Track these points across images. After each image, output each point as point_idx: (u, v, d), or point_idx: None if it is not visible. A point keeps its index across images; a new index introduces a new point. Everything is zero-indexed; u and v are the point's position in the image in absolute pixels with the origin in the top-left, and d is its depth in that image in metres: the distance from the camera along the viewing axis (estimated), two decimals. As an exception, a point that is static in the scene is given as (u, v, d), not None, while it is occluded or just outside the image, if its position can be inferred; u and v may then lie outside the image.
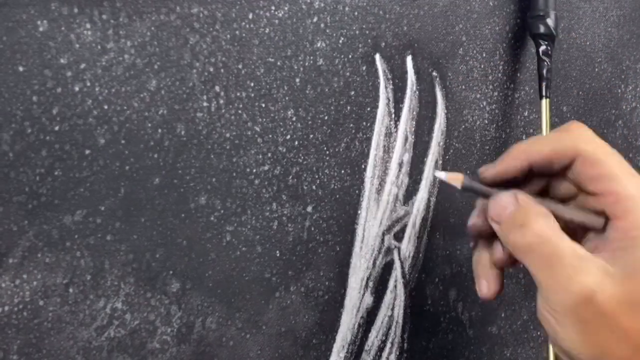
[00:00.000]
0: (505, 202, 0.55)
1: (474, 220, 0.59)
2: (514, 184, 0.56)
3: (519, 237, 0.53)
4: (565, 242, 0.52)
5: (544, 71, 0.68)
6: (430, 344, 0.66)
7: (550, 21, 0.67)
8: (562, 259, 0.51)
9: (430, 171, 0.64)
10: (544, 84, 0.68)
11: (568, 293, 0.51)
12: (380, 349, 0.62)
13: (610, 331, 0.51)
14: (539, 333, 0.77)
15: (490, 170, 0.56)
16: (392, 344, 0.63)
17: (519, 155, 0.55)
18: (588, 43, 0.78)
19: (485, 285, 0.58)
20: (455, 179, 0.56)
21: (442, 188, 0.65)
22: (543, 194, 0.58)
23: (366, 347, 0.61)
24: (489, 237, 0.57)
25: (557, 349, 0.55)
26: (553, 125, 0.75)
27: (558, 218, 0.55)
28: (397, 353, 0.63)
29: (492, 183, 0.56)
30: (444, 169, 0.65)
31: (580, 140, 0.53)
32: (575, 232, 0.55)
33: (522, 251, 0.53)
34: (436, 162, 0.64)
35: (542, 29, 0.68)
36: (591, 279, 0.50)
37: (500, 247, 0.56)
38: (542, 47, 0.68)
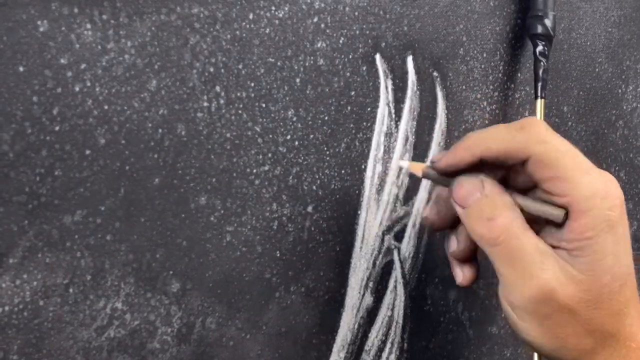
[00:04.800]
0: (471, 187, 0.55)
1: (427, 211, 0.59)
2: (473, 169, 0.56)
3: (486, 230, 0.54)
4: (529, 237, 0.53)
5: (540, 71, 0.68)
6: (430, 344, 0.66)
7: (548, 22, 0.67)
8: (525, 255, 0.52)
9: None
10: (539, 85, 0.68)
11: (529, 288, 0.52)
12: (380, 349, 0.62)
13: (570, 326, 0.53)
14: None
15: (442, 161, 0.56)
16: (392, 344, 0.63)
17: (470, 147, 0.54)
18: (588, 43, 0.78)
19: (460, 273, 0.59)
20: (417, 167, 0.57)
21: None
22: (502, 182, 0.57)
23: (366, 347, 0.61)
24: (444, 228, 0.58)
25: (520, 340, 0.56)
26: (553, 127, 0.75)
27: (522, 209, 0.55)
28: (397, 353, 0.63)
29: (445, 172, 0.56)
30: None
31: (532, 140, 0.53)
32: (535, 223, 0.55)
33: (488, 244, 0.54)
34: (437, 162, 0.64)
35: (539, 29, 0.68)
36: (552, 275, 0.52)
37: (455, 241, 0.57)
38: (539, 48, 0.68)
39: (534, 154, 0.52)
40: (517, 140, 0.53)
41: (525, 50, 0.71)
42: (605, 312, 0.52)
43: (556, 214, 0.53)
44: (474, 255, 0.57)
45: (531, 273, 0.52)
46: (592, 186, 0.51)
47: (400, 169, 0.61)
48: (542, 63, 0.68)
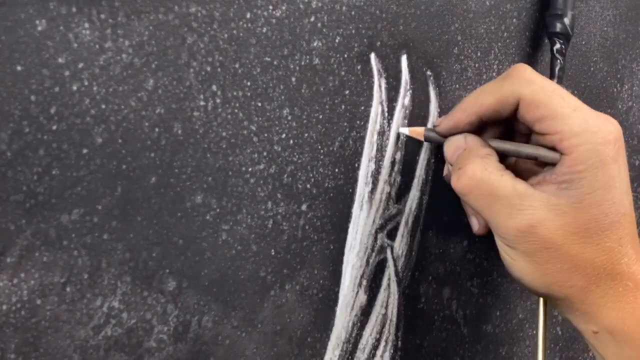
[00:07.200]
0: (456, 144, 0.58)
1: (445, 171, 0.64)
2: (476, 130, 0.59)
3: (455, 180, 0.56)
4: (504, 181, 0.54)
5: (557, 69, 0.69)
6: (424, 342, 0.66)
7: (567, 20, 0.69)
8: (500, 198, 0.54)
9: (422, 169, 0.64)
10: (554, 82, 0.69)
11: (509, 229, 0.54)
12: (375, 347, 0.62)
13: (559, 261, 0.53)
14: (534, 332, 0.77)
15: (443, 124, 0.59)
16: (386, 342, 0.63)
17: (466, 108, 0.58)
18: (584, 42, 0.78)
19: (475, 222, 0.62)
20: (418, 132, 0.61)
21: (434, 186, 0.66)
22: (508, 134, 0.60)
23: (360, 345, 0.61)
24: None
25: (514, 280, 0.57)
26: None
27: (516, 155, 0.58)
28: (391, 351, 0.63)
29: (446, 135, 0.60)
30: (435, 167, 0.65)
31: (520, 84, 0.54)
32: (539, 167, 0.58)
33: (461, 194, 0.56)
34: (428, 160, 0.64)
35: (558, 28, 0.69)
36: (531, 213, 0.53)
37: None
38: (557, 46, 0.69)
39: (523, 97, 0.54)
40: (505, 87, 0.55)
41: (520, 49, 0.71)
42: (595, 247, 0.52)
43: (552, 154, 0.54)
44: None
45: (509, 214, 0.53)
46: (582, 122, 0.52)
47: (399, 136, 0.62)
48: (558, 61, 0.69)
